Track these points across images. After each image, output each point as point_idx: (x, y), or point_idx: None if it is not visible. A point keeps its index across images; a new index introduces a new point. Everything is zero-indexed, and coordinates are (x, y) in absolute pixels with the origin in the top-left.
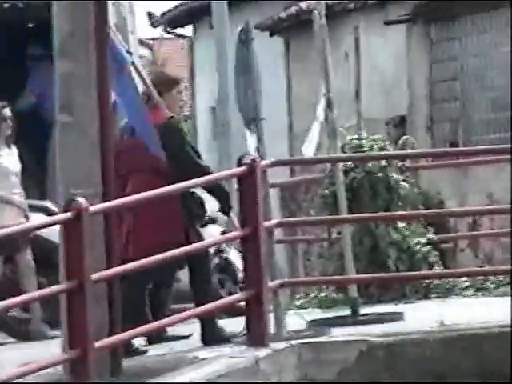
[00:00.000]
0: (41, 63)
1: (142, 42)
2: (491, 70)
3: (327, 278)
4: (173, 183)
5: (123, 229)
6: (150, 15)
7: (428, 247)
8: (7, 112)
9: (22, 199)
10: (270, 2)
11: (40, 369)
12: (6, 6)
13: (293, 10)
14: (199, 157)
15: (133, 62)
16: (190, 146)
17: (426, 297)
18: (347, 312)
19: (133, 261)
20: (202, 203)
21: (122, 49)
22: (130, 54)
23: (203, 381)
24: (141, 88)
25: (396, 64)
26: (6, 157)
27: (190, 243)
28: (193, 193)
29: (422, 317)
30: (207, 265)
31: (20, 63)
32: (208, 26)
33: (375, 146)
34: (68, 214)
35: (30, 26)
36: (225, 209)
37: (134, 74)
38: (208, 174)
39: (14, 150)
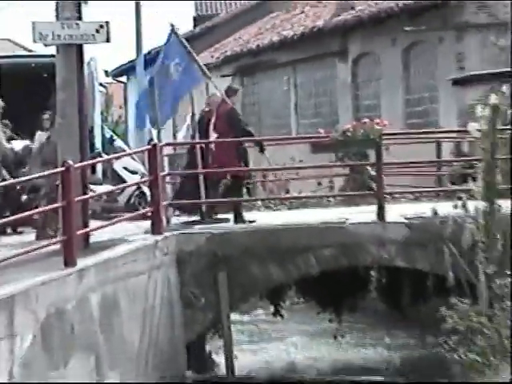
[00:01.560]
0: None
1: (101, 84)
2: (273, 100)
3: (191, 201)
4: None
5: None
6: (106, 71)
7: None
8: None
9: None
10: None
11: (46, 246)
12: (32, 65)
13: None
14: (247, 125)
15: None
16: (241, 121)
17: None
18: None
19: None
20: (246, 151)
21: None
22: (209, 77)
23: (124, 253)
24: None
25: None
26: None
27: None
28: (242, 146)
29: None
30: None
31: (43, 93)
32: (134, 77)
33: None
34: (63, 168)
35: (45, 75)
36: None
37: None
38: (251, 134)
39: None
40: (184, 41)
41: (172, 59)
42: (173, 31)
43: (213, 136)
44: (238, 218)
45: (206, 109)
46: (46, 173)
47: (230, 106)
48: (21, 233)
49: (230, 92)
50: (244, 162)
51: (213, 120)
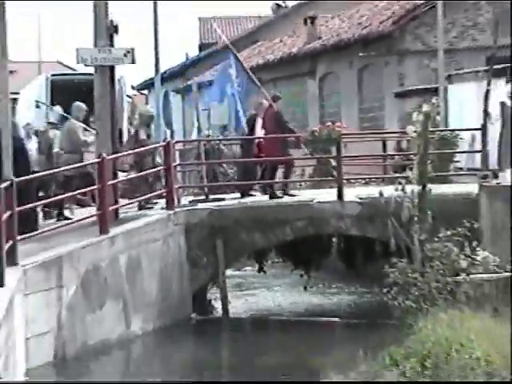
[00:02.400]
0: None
1: (128, 95)
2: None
3: (197, 185)
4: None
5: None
6: (132, 86)
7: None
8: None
9: None
10: (178, 80)
11: (84, 218)
12: (76, 81)
13: (184, 83)
14: (287, 123)
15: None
16: (285, 121)
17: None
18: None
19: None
20: (287, 145)
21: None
22: (258, 86)
23: (144, 224)
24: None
25: None
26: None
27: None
28: (285, 140)
29: (231, 200)
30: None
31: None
32: (153, 90)
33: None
34: (100, 159)
35: (84, 89)
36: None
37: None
38: (294, 132)
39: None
40: (241, 59)
41: (243, 74)
42: (232, 52)
43: (259, 133)
44: (273, 195)
45: (253, 111)
46: (87, 162)
47: (276, 110)
48: (67, 208)
49: (275, 98)
50: (287, 152)
51: (260, 120)
